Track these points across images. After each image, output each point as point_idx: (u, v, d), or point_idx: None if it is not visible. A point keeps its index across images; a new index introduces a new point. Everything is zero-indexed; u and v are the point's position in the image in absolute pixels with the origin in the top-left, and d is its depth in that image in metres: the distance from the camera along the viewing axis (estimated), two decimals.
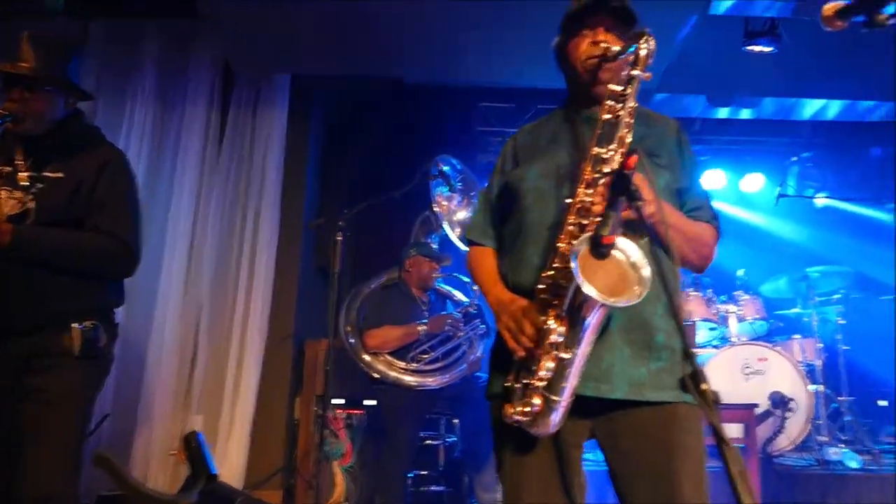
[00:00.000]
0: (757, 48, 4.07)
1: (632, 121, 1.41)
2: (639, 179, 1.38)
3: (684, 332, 1.52)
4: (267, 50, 3.93)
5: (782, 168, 5.61)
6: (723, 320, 4.20)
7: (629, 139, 1.41)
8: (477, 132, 5.32)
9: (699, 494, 1.41)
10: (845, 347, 4.29)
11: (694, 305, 4.17)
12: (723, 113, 5.31)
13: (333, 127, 4.81)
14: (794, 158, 5.50)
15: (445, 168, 3.75)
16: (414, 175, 3.73)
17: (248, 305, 3.75)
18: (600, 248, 1.28)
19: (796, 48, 4.41)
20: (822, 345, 4.24)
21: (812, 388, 3.91)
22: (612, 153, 1.40)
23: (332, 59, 4.04)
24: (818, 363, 4.14)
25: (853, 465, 3.62)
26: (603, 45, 1.49)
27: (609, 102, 1.43)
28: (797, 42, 4.42)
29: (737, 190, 5.61)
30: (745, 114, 5.30)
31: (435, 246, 3.82)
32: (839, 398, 4.17)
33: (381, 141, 4.90)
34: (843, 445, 3.84)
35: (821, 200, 5.31)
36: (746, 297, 4.29)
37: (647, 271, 1.32)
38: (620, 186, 1.26)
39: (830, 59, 4.48)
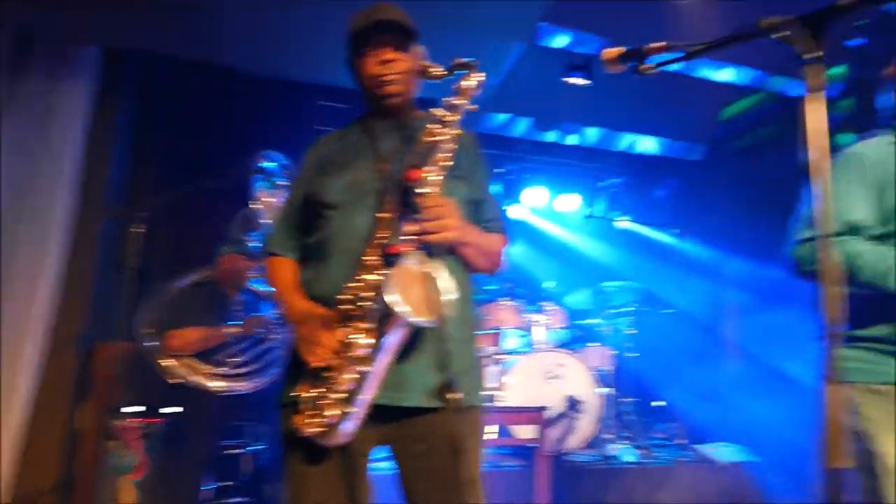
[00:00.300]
0: (572, 80, 4.44)
1: (454, 146, 1.47)
2: (450, 204, 1.44)
3: (474, 340, 1.63)
4: (73, 19, 3.54)
5: (594, 191, 6.19)
6: (529, 328, 4.50)
7: (446, 163, 1.46)
8: (314, 131, 5.22)
9: (477, 494, 1.50)
10: (633, 355, 4.82)
11: (506, 314, 4.43)
12: (550, 136, 5.75)
13: (154, 110, 4.44)
14: (605, 183, 6.08)
15: (269, 164, 3.62)
16: (238, 168, 3.55)
17: (30, 299, 3.32)
18: (389, 258, 1.31)
19: (616, 85, 4.91)
20: (613, 352, 4.73)
21: (602, 391, 4.33)
22: (431, 174, 1.44)
23: (154, 36, 3.75)
24: (609, 369, 4.60)
25: (629, 459, 4.07)
26: (428, 66, 1.55)
27: (431, 125, 1.48)
28: (614, 80, 4.91)
29: (553, 208, 6.07)
30: (570, 139, 5.79)
31: (253, 244, 3.66)
32: (624, 400, 4.67)
33: (209, 131, 4.61)
34: (624, 442, 4.30)
35: (622, 223, 5.95)
36: (552, 307, 4.64)
37: (453, 294, 1.38)
38: (405, 199, 1.31)
39: (640, 97, 5.04)
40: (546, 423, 3.48)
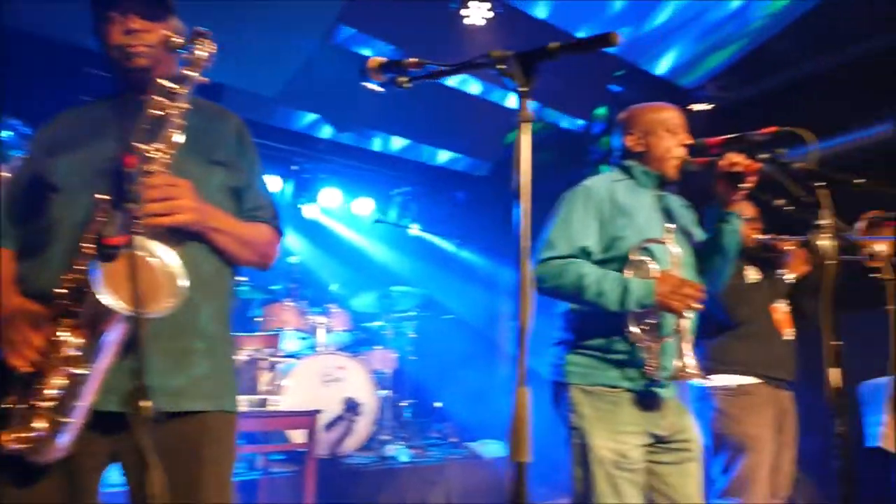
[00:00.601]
0: (369, 85, 4.48)
1: (182, 121, 1.35)
2: (184, 185, 1.34)
3: (229, 339, 1.52)
4: None
5: (389, 197, 6.33)
6: (313, 330, 4.45)
7: (177, 139, 1.34)
8: (80, 101, 4.61)
9: (220, 498, 1.41)
10: (413, 358, 4.99)
11: (288, 315, 4.33)
12: (346, 138, 5.75)
13: None
14: (398, 191, 6.25)
15: (5, 133, 3.13)
16: None
17: None
18: (104, 250, 1.19)
19: (412, 95, 5.06)
20: (396, 355, 4.86)
21: (381, 393, 4.42)
22: (158, 153, 1.32)
23: None
24: (389, 371, 4.72)
25: (404, 458, 4.20)
26: (170, 36, 1.41)
27: (158, 98, 1.34)
28: (412, 91, 5.06)
29: (350, 211, 6.09)
30: (365, 143, 5.84)
31: None
32: (403, 402, 4.82)
33: None
34: (401, 443, 4.43)
35: (413, 230, 6.16)
36: (337, 309, 4.64)
37: (183, 280, 1.27)
38: (124, 180, 1.20)
39: (434, 110, 5.26)
40: (321, 427, 3.45)
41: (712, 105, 4.90)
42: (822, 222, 1.38)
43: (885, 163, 4.68)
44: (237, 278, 1.59)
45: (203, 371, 1.42)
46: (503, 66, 1.04)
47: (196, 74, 1.36)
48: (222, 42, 1.50)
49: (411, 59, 1.33)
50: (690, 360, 1.78)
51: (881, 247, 1.91)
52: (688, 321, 1.81)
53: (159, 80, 1.36)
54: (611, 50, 4.41)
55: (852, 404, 4.20)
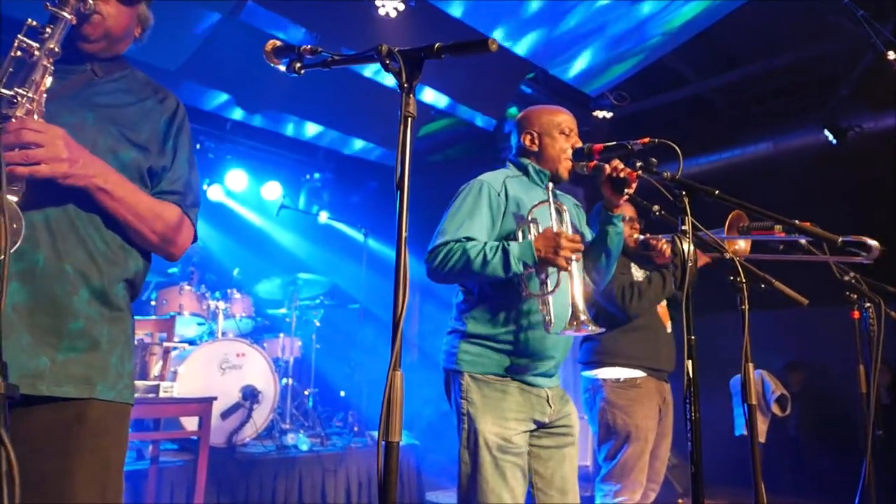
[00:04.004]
0: (280, 67, 4.38)
1: (50, 66, 1.24)
2: (55, 133, 1.21)
3: (117, 320, 1.39)
4: None
5: (299, 183, 6.23)
6: (213, 316, 4.32)
7: (46, 86, 1.24)
8: None
9: (100, 496, 1.30)
10: (318, 346, 4.95)
11: (186, 300, 4.18)
12: (255, 120, 5.59)
13: None
14: (308, 177, 6.16)
15: None
16: None
17: None
18: None
19: (324, 80, 4.99)
20: (300, 343, 4.80)
21: (283, 381, 4.36)
22: (24, 99, 1.20)
23: None
24: (292, 359, 4.66)
25: (304, 447, 4.17)
26: None
27: (25, 39, 1.23)
28: (326, 75, 5.00)
29: (257, 195, 5.94)
30: (274, 126, 5.71)
31: None
32: (306, 390, 4.78)
33: None
34: (301, 431, 4.38)
35: (323, 218, 6.09)
36: (239, 295, 4.53)
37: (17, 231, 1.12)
38: None
39: (348, 98, 5.22)
40: (219, 415, 3.36)
41: (611, 114, 5.17)
42: (683, 227, 1.51)
43: (764, 178, 5.13)
44: (140, 259, 1.45)
45: (74, 354, 1.29)
46: (388, 62, 1.07)
47: (67, 15, 1.26)
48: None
49: (306, 46, 1.33)
50: (581, 310, 1.84)
51: (739, 245, 2.10)
52: (576, 273, 1.89)
53: (29, 21, 1.24)
54: (523, 53, 4.57)
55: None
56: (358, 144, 6.12)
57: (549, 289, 1.88)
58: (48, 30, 1.24)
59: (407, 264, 1.02)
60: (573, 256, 1.84)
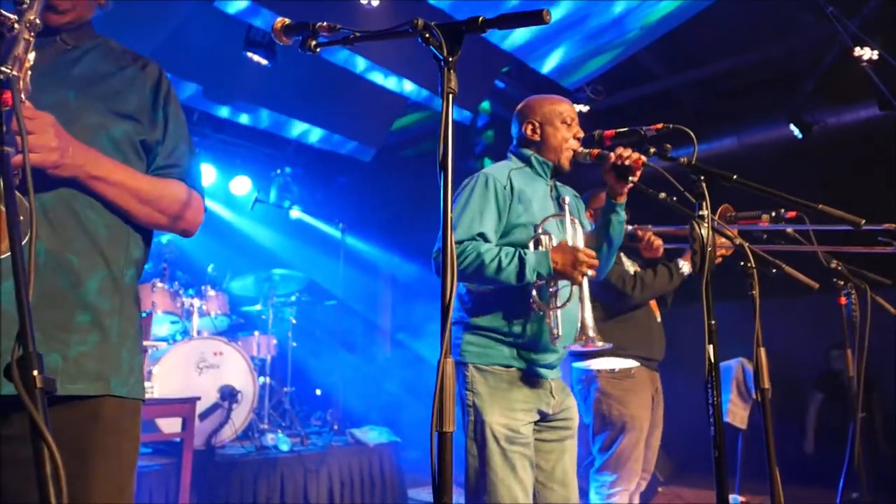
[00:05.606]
0: (254, 57, 4.28)
1: (31, 39, 1.11)
2: (41, 118, 1.12)
3: (127, 313, 1.31)
4: None
5: (269, 177, 6.08)
6: (187, 314, 4.18)
7: (30, 63, 1.11)
8: None
9: (117, 497, 1.24)
10: (294, 344, 4.85)
11: (158, 297, 4.03)
12: (222, 112, 5.43)
13: None
14: (279, 171, 6.03)
15: None
16: None
17: None
18: None
19: (295, 71, 4.87)
20: (276, 341, 4.68)
21: (260, 380, 4.25)
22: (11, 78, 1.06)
23: None
24: (269, 357, 4.54)
25: (284, 447, 4.07)
26: None
27: (1, 11, 1.13)
28: (297, 66, 4.90)
29: (226, 189, 5.78)
30: (243, 118, 5.55)
31: None
32: (283, 389, 4.67)
33: None
34: (280, 431, 4.28)
35: (294, 213, 5.97)
36: (213, 292, 4.39)
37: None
38: None
39: (319, 89, 5.11)
40: (197, 416, 3.24)
41: (588, 108, 5.20)
42: (702, 213, 1.51)
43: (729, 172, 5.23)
44: (142, 243, 1.37)
45: (85, 349, 1.23)
46: (428, 35, 1.02)
47: None
48: None
49: (322, 23, 1.26)
50: (590, 326, 1.85)
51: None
52: (586, 288, 1.89)
53: None
54: (505, 45, 4.55)
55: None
56: (330, 138, 6.01)
57: (559, 303, 1.88)
58: (26, 0, 1.16)
59: (453, 247, 0.98)
60: (589, 272, 1.84)
